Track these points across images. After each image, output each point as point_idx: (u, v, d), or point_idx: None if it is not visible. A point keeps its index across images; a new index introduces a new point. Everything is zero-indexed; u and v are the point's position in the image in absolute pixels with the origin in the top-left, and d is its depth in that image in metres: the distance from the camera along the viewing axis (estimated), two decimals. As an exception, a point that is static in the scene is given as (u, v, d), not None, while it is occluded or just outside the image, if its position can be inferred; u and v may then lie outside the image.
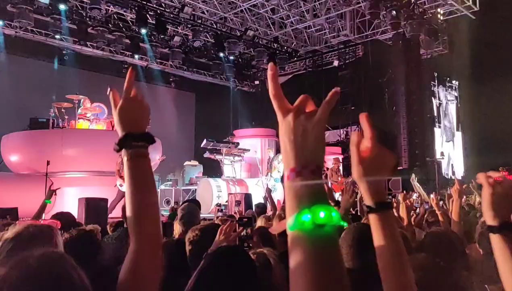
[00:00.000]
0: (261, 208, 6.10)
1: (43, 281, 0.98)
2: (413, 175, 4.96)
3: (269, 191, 6.15)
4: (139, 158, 1.14)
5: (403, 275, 1.06)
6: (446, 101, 17.67)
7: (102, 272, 1.89)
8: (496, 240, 1.17)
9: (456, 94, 18.22)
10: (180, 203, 9.85)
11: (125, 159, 1.13)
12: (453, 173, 17.31)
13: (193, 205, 3.70)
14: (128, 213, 1.11)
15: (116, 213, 7.16)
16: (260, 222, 4.06)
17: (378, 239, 1.07)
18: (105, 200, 6.48)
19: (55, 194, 4.24)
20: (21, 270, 0.97)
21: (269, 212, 5.33)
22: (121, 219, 4.47)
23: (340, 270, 0.71)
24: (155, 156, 10.28)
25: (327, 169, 12.98)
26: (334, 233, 0.71)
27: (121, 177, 8.28)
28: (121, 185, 8.29)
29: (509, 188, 1.18)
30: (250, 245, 1.84)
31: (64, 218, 3.60)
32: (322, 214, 0.70)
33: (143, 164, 1.15)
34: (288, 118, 0.77)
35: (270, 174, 12.14)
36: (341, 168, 13.33)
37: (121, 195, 7.96)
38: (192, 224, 3.37)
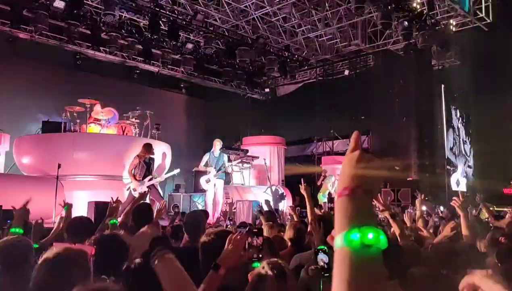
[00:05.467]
0: (269, 215, 5.89)
1: None
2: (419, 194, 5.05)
3: (268, 202, 6.12)
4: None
5: None
6: (457, 112, 17.54)
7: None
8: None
9: (467, 106, 18.07)
10: (187, 210, 9.91)
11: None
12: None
13: (200, 213, 3.75)
14: None
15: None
16: (264, 230, 4.05)
17: None
18: (115, 204, 6.51)
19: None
20: None
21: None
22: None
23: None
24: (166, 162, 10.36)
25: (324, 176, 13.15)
26: (379, 255, 0.74)
27: (136, 180, 8.31)
28: (134, 189, 8.30)
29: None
30: (260, 256, 1.84)
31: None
32: (370, 235, 0.72)
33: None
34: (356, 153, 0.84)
35: (320, 192, 12.37)
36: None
37: (131, 199, 8.00)
38: (195, 232, 3.40)
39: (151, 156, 8.71)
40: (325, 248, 1.89)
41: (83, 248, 1.84)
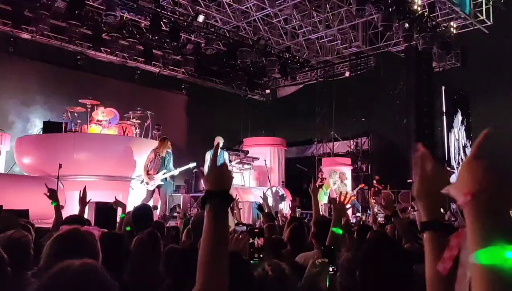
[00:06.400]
0: (268, 216, 5.90)
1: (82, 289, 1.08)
2: None
3: (265, 198, 6.08)
4: (218, 212, 1.25)
5: None
6: (457, 115, 17.55)
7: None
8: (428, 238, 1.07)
9: (467, 108, 18.09)
10: (187, 211, 9.88)
11: (206, 212, 1.26)
12: None
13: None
14: (199, 259, 1.22)
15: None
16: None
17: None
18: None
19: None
20: (61, 279, 1.04)
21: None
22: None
23: None
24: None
25: (324, 178, 13.16)
26: None
27: (148, 175, 8.35)
28: (147, 183, 8.35)
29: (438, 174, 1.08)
30: (261, 256, 1.85)
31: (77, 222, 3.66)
32: None
33: (221, 219, 1.25)
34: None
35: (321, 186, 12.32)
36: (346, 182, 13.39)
37: (151, 194, 8.10)
38: (196, 233, 3.38)
39: (168, 150, 8.72)
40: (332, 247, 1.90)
41: (90, 230, 1.93)
